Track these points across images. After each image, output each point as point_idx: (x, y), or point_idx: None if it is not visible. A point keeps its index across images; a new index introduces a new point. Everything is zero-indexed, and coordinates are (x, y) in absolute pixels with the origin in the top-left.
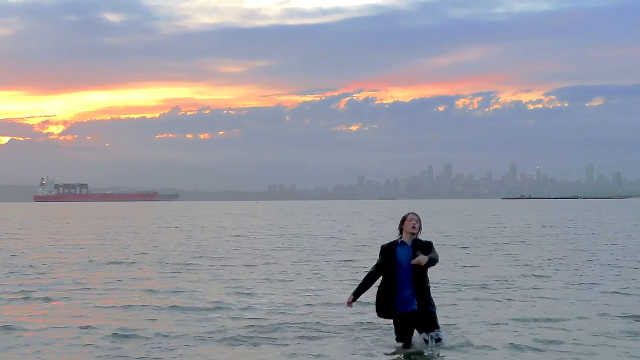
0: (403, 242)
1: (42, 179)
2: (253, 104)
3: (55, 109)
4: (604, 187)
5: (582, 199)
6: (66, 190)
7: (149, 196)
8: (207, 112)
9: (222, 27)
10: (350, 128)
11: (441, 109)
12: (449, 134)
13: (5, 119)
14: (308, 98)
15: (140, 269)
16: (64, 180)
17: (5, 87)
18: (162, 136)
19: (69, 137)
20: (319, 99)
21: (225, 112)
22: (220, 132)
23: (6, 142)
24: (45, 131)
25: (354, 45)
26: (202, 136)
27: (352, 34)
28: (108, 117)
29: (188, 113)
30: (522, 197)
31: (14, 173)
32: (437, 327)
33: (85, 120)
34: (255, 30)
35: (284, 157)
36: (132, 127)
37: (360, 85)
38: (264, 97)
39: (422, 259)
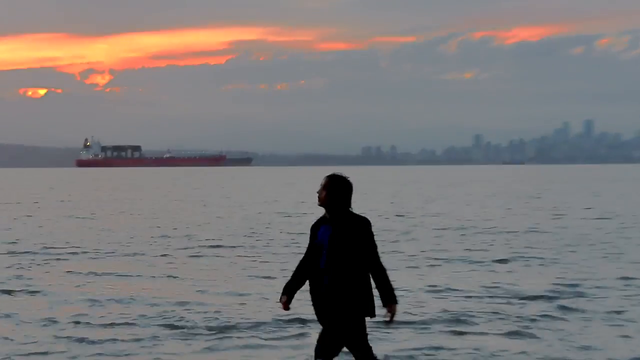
0: (324, 218)
1: (86, 139)
2: (341, 46)
3: (100, 54)
4: None
5: None
6: (115, 154)
7: (215, 160)
8: (283, 57)
9: None
10: (463, 76)
11: (578, 50)
12: (589, 83)
13: (41, 67)
14: (409, 39)
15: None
16: (112, 141)
17: (40, 29)
18: (229, 87)
19: (116, 89)
20: (423, 39)
21: (306, 57)
22: (300, 82)
23: (43, 95)
24: (88, 82)
25: None
26: (278, 87)
27: None
28: (164, 65)
29: (261, 59)
30: None
31: (52, 133)
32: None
33: (136, 68)
34: None
35: (380, 113)
36: (192, 77)
37: (474, 23)
38: (355, 38)
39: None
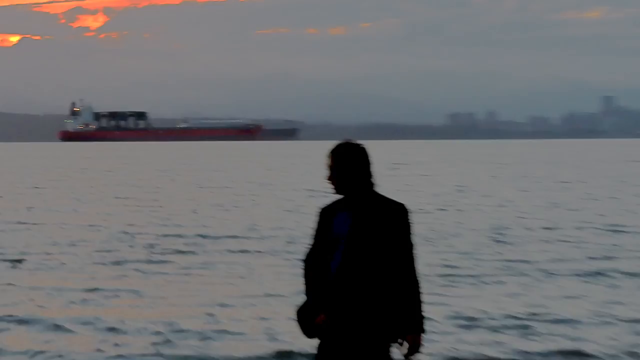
0: (340, 202)
1: (74, 103)
2: None
3: None
4: None
5: None
6: (112, 123)
7: (248, 132)
8: None
9: None
10: (587, 15)
11: None
12: None
13: (11, 5)
14: None
15: None
16: (108, 106)
17: None
18: (266, 32)
19: (114, 35)
20: None
21: None
22: (362, 24)
23: (14, 43)
24: (75, 25)
25: None
26: (333, 31)
27: None
28: (178, 1)
29: None
30: None
31: (28, 94)
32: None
33: (140, 6)
34: None
35: (473, 67)
36: (217, 17)
37: None
38: None
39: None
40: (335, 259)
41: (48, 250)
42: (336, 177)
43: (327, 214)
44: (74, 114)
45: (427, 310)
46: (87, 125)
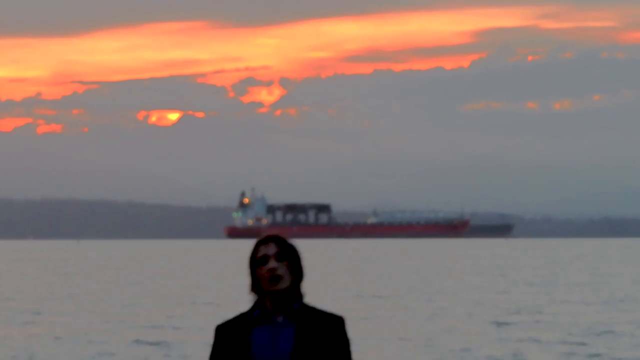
0: (263, 313)
1: (243, 194)
2: None
3: (265, 55)
4: None
5: None
6: (288, 217)
7: (452, 228)
8: (566, 55)
9: None
10: None
11: None
12: None
13: (171, 77)
14: None
15: None
16: (283, 196)
17: (169, 16)
18: (475, 106)
19: (291, 111)
20: None
21: (605, 54)
22: (594, 97)
23: (174, 121)
24: (246, 99)
25: None
26: (556, 105)
27: None
28: (369, 70)
29: (528, 59)
30: None
31: (189, 182)
32: None
33: (323, 77)
34: None
35: None
36: (415, 88)
37: None
38: None
39: None
40: None
41: None
42: (290, 275)
43: (231, 331)
44: (243, 206)
45: None
46: (258, 219)
